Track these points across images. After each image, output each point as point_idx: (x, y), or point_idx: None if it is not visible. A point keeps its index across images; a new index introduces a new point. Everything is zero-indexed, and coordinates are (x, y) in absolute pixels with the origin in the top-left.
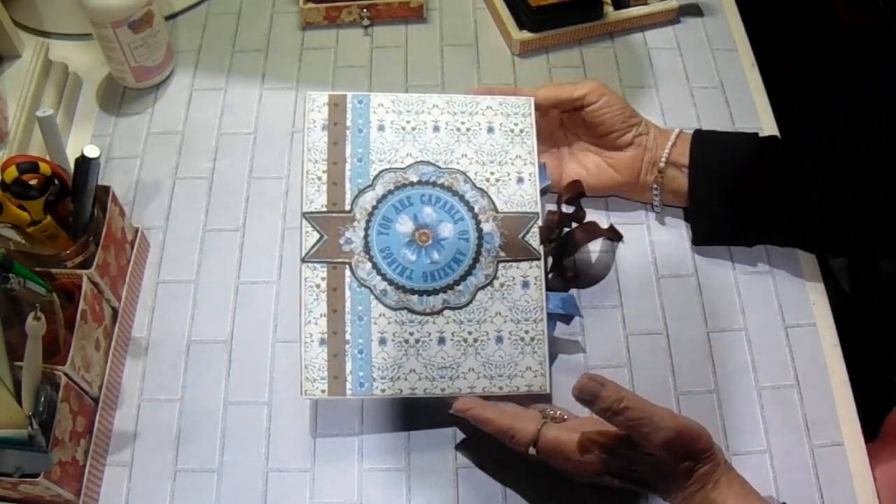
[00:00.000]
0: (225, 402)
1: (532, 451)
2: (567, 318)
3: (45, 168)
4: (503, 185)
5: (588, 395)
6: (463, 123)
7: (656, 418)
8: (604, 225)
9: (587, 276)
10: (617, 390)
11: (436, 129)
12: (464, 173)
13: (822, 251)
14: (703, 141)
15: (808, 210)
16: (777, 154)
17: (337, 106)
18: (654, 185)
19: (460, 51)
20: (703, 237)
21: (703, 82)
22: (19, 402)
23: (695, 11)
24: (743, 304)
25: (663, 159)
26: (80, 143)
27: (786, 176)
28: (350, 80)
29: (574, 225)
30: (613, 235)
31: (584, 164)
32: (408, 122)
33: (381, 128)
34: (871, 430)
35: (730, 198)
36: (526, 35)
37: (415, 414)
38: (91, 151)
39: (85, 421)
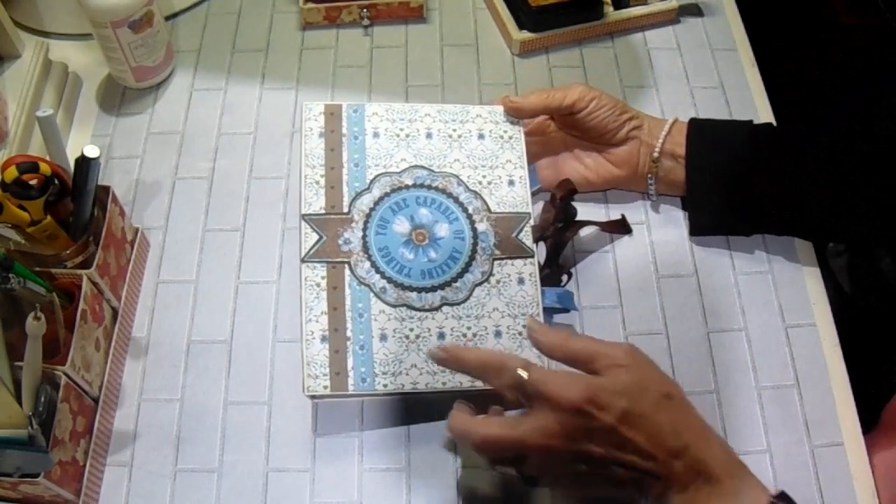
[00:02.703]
0: (225, 402)
1: (523, 373)
2: (564, 311)
3: (45, 168)
4: (495, 188)
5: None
6: (454, 130)
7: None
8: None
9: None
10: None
11: (428, 135)
12: (457, 176)
13: (820, 239)
14: (699, 132)
15: (806, 198)
16: (774, 143)
17: (333, 115)
18: (650, 176)
19: (460, 51)
20: (701, 228)
21: (703, 82)
22: (19, 402)
23: (695, 11)
24: (743, 304)
25: (657, 150)
26: (80, 143)
27: (783, 164)
28: (350, 80)
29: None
30: (620, 229)
31: (583, 161)
32: (401, 129)
33: (376, 135)
34: (870, 422)
35: (727, 188)
36: (526, 35)
37: (415, 414)
38: (91, 151)
39: (85, 421)
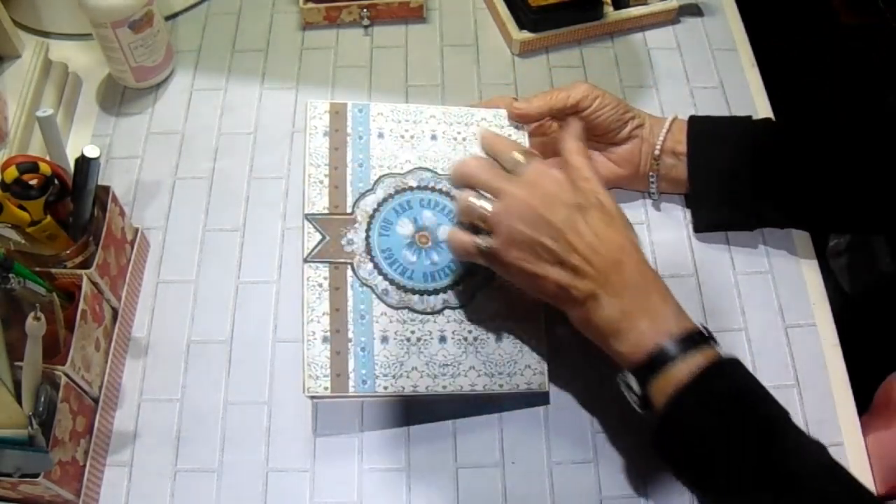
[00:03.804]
0: (225, 402)
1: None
2: None
3: (45, 168)
4: None
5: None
6: (459, 133)
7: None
8: None
9: None
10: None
11: (433, 137)
12: None
13: (823, 231)
14: (699, 129)
15: (807, 190)
16: (774, 137)
17: (338, 114)
18: (651, 174)
19: (460, 51)
20: (705, 225)
21: (703, 82)
22: (19, 402)
23: (695, 11)
24: (743, 304)
25: (657, 148)
26: (80, 143)
27: (784, 157)
28: (350, 81)
29: None
30: None
31: None
32: (406, 130)
33: (381, 135)
34: (863, 404)
35: (729, 184)
36: (526, 35)
37: (415, 414)
38: (91, 151)
39: (85, 421)
